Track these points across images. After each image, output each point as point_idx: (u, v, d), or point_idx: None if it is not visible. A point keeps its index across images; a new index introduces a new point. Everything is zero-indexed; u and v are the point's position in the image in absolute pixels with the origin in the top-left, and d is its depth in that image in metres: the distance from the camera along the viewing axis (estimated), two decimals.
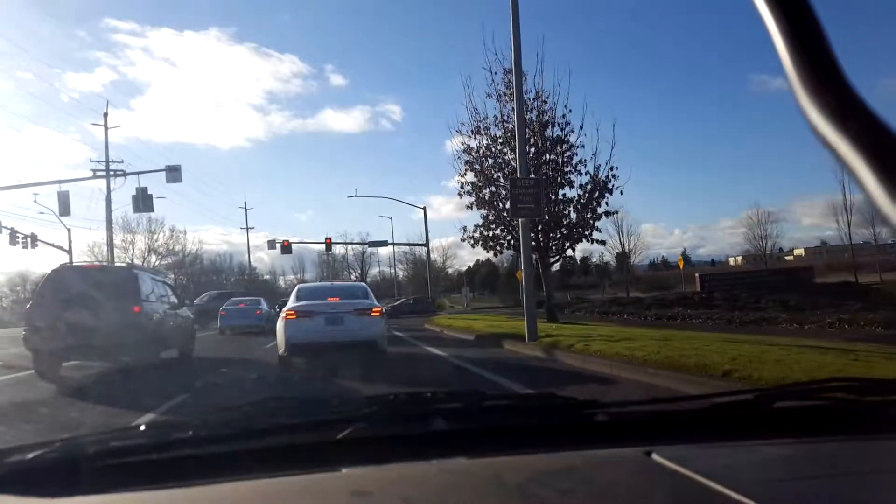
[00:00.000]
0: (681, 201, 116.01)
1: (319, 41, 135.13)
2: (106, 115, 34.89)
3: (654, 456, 1.14)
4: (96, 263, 17.26)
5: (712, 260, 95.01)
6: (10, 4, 70.03)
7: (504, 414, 1.51)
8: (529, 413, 1.54)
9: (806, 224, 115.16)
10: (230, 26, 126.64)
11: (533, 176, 16.25)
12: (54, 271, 11.53)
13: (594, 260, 78.78)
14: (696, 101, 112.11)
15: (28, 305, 11.41)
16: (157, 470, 1.13)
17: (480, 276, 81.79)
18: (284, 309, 11.41)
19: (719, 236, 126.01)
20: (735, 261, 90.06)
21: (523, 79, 18.72)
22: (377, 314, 11.22)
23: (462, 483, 1.08)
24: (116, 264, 23.16)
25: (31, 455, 1.13)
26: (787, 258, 65.80)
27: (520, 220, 14.16)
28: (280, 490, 1.06)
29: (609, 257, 73.91)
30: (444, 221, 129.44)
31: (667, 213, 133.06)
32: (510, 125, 18.88)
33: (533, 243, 18.46)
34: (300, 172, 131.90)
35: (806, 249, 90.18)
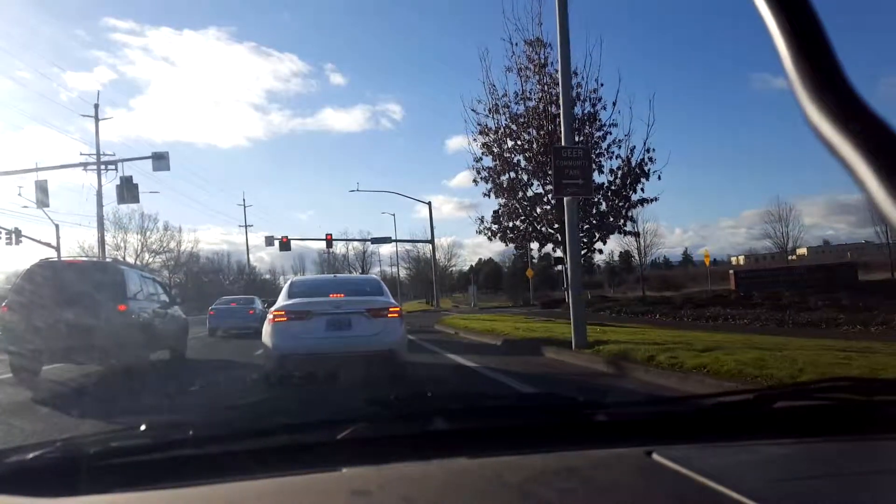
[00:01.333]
0: (681, 200, 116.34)
1: (319, 40, 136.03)
2: (97, 105, 34.22)
3: (655, 456, 1.13)
4: (79, 259, 16.65)
5: (714, 259, 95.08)
6: (8, 4, 70.28)
7: (505, 414, 1.51)
8: (530, 413, 1.54)
9: (805, 223, 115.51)
10: (229, 25, 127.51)
11: (581, 145, 14.07)
12: (33, 266, 10.71)
13: (602, 257, 77.90)
14: (697, 100, 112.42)
15: (3, 304, 10.40)
16: (158, 470, 1.14)
17: (483, 275, 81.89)
18: (272, 309, 8.91)
19: (719, 235, 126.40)
20: (737, 260, 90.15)
21: (546, 51, 17.11)
22: (395, 315, 8.72)
23: (462, 483, 1.08)
24: (100, 259, 21.98)
25: (31, 455, 1.13)
26: (789, 257, 65.46)
27: (565, 199, 11.67)
28: (280, 490, 1.06)
29: (613, 255, 73.41)
30: (444, 221, 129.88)
31: (668, 211, 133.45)
32: (532, 103, 17.46)
33: (556, 235, 17.24)
34: (300, 172, 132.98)
35: (808, 248, 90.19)
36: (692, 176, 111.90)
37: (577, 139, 16.72)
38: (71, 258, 16.11)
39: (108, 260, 23.65)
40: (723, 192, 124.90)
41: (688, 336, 12.17)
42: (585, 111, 17.34)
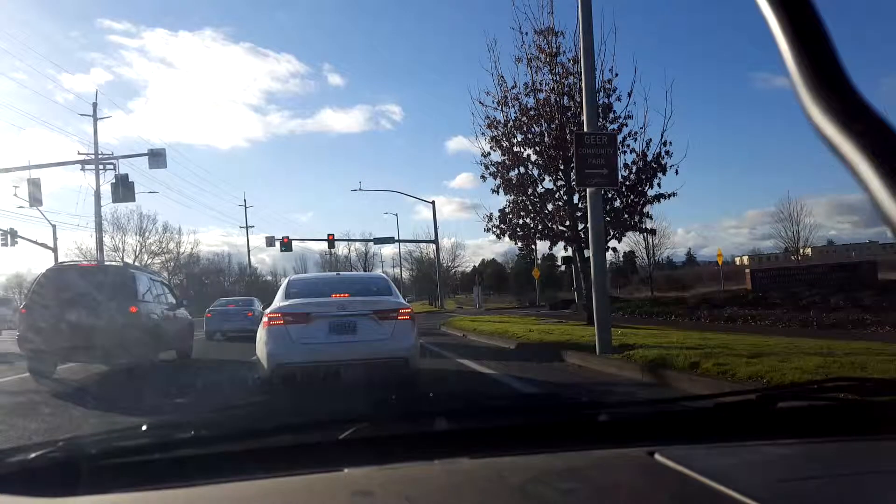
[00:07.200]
0: (683, 201, 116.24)
1: (316, 40, 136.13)
2: (94, 104, 34.07)
3: (658, 456, 1.13)
4: (92, 263, 17.04)
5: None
6: (5, 5, 70.61)
7: (507, 414, 1.51)
8: (532, 413, 1.54)
9: (806, 223, 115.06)
10: (225, 26, 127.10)
11: (606, 132, 13.46)
12: (49, 271, 11.31)
13: (608, 257, 76.61)
14: (697, 100, 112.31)
15: (22, 306, 11.16)
16: (159, 470, 1.14)
17: (486, 276, 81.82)
18: (266, 311, 8.05)
19: (723, 236, 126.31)
20: (741, 260, 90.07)
21: (558, 40, 16.59)
22: (407, 317, 7.87)
23: (465, 483, 1.08)
24: (112, 263, 22.60)
25: (32, 455, 1.14)
26: (794, 257, 65.28)
27: (588, 191, 10.89)
28: (282, 490, 1.06)
29: (617, 256, 72.78)
30: (445, 222, 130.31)
31: (670, 212, 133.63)
32: (543, 94, 16.91)
33: (567, 233, 16.89)
34: (300, 173, 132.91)
35: (813, 248, 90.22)
36: (694, 176, 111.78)
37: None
38: (85, 262, 16.64)
39: (118, 264, 23.71)
40: (725, 192, 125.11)
41: (719, 339, 11.37)
42: (600, 102, 16.16)
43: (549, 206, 17.25)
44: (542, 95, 16.99)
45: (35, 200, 26.98)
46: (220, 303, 23.39)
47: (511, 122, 17.33)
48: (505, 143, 17.34)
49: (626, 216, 16.94)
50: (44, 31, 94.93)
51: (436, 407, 1.44)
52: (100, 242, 35.11)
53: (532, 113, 17.02)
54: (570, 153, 13.87)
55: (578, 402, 1.52)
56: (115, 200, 28.00)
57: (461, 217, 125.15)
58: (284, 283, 9.03)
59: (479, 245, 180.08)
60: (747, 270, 34.94)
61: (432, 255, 55.49)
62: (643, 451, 1.17)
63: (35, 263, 61.25)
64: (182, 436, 1.24)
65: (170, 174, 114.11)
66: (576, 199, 16.66)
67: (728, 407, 1.42)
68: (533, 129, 17.11)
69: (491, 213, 18.35)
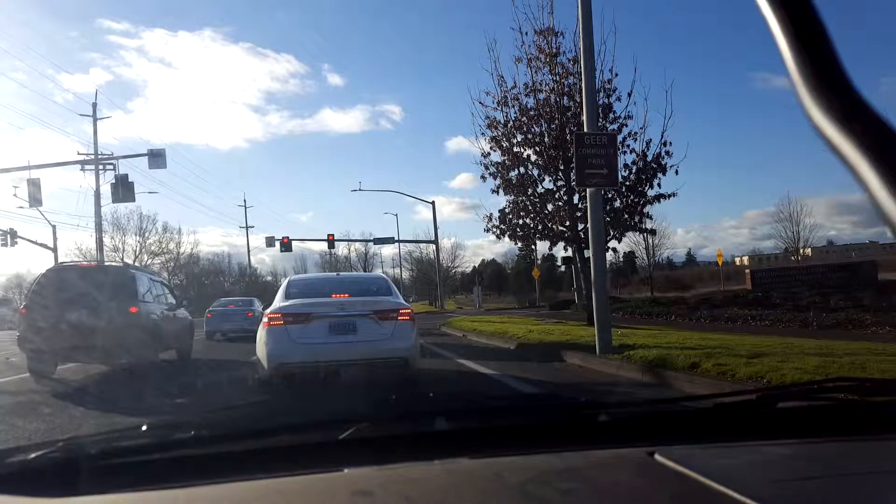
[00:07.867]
0: (683, 201, 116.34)
1: (316, 40, 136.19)
2: (94, 105, 34.20)
3: (657, 456, 1.13)
4: (92, 263, 17.05)
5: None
6: (5, 5, 70.65)
7: (506, 414, 1.51)
8: (532, 413, 1.54)
9: (806, 223, 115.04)
10: (224, 26, 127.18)
11: (606, 132, 13.58)
12: (49, 271, 11.36)
13: (608, 257, 76.44)
14: (697, 100, 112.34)
15: (22, 306, 11.23)
16: (159, 470, 1.14)
17: (486, 276, 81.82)
18: (267, 311, 8.07)
19: (722, 236, 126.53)
20: (741, 260, 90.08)
21: (558, 40, 16.59)
22: (407, 317, 7.90)
23: (464, 483, 1.08)
24: (112, 264, 22.64)
25: (32, 455, 1.14)
26: (791, 257, 65.27)
27: (588, 191, 10.93)
28: (282, 490, 1.06)
29: (617, 256, 72.65)
30: (445, 222, 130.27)
31: (670, 212, 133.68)
32: (543, 95, 16.88)
33: (567, 233, 16.88)
34: (300, 173, 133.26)
35: (813, 248, 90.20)
36: (694, 176, 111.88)
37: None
38: (85, 262, 16.70)
39: (118, 264, 23.70)
40: (725, 192, 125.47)
41: (719, 339, 11.39)
42: (600, 102, 16.06)
43: (549, 207, 17.23)
44: (541, 96, 16.98)
45: (35, 200, 26.97)
46: (220, 303, 23.42)
47: (511, 123, 17.30)
48: (505, 144, 17.31)
49: (626, 216, 16.91)
50: (44, 31, 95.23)
51: (436, 407, 1.43)
52: (100, 243, 35.06)
53: (532, 113, 16.97)
54: (570, 153, 13.88)
55: (578, 402, 1.51)
56: (114, 200, 27.99)
57: (461, 217, 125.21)
58: (284, 283, 9.05)
59: (479, 245, 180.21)
60: (747, 270, 34.84)
61: (432, 256, 55.43)
62: (643, 451, 1.17)
63: (35, 263, 61.19)
64: (182, 436, 1.24)
65: (170, 174, 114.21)
66: (576, 199, 16.62)
67: (728, 407, 1.42)
68: (533, 130, 17.10)
69: (491, 214, 18.38)
